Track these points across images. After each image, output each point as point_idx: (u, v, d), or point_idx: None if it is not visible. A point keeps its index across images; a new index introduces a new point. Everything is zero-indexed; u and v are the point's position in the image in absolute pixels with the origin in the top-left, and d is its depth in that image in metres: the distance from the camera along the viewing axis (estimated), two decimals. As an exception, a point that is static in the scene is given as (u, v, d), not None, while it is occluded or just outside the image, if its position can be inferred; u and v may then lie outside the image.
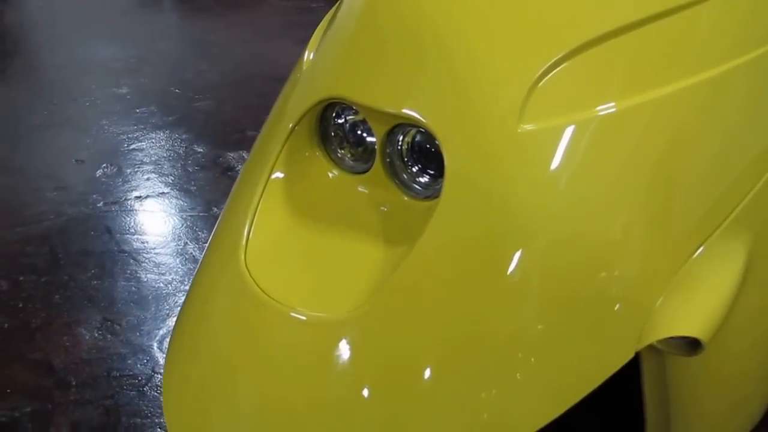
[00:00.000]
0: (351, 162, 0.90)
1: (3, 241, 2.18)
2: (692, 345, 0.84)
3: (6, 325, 1.85)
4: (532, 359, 0.77)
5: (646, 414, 1.01)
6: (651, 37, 0.80)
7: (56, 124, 2.95)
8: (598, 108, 0.77)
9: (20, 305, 1.92)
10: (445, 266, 0.76)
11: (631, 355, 0.81)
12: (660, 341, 0.85)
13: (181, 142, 2.78)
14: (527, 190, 0.76)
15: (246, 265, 0.82)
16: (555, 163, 0.76)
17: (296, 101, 0.89)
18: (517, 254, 0.76)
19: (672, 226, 0.82)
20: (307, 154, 0.90)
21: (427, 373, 0.76)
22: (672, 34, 0.81)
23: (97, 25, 4.18)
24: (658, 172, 0.80)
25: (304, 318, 0.77)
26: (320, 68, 0.90)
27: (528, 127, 0.76)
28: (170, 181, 2.51)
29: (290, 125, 0.87)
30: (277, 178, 0.88)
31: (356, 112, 0.87)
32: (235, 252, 0.84)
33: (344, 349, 0.75)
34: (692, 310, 0.82)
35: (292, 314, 0.78)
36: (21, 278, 2.02)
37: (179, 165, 2.62)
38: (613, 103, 0.78)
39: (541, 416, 0.78)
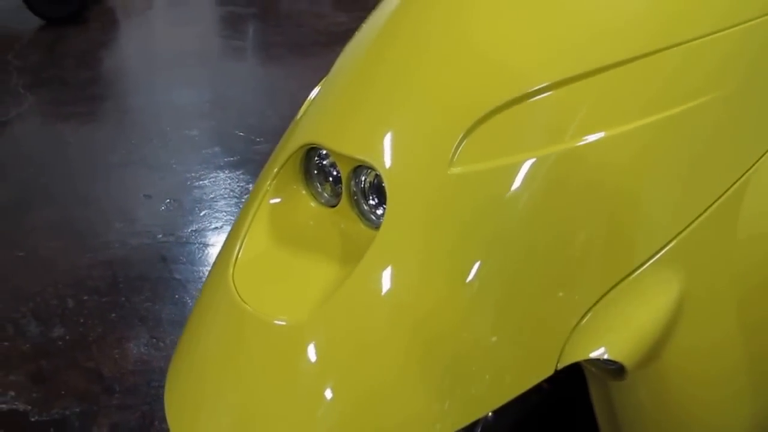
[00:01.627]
0: (328, 196, 1.04)
1: (74, 265, 2.50)
2: (621, 370, 0.90)
3: (67, 337, 2.15)
4: (449, 367, 0.86)
5: None
6: (583, 90, 0.88)
7: (132, 162, 3.29)
8: (530, 154, 0.86)
9: (81, 321, 2.22)
10: (379, 285, 0.88)
11: (550, 372, 0.87)
12: (589, 362, 0.93)
13: (238, 182, 3.07)
14: (451, 224, 0.87)
15: (233, 280, 0.97)
16: (479, 201, 0.87)
17: (286, 144, 1.05)
18: (441, 278, 0.86)
19: (598, 253, 0.88)
20: (294, 188, 1.04)
21: (358, 373, 0.87)
22: (602, 88, 0.89)
23: (182, 72, 4.57)
24: (584, 204, 0.88)
25: (272, 323, 0.91)
26: (306, 115, 1.06)
27: (456, 170, 0.86)
28: (222, 217, 2.79)
29: (276, 168, 1.03)
30: (266, 207, 1.03)
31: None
32: (226, 269, 0.98)
33: (295, 350, 0.89)
34: (616, 335, 0.88)
35: (263, 319, 0.91)
36: (85, 298, 2.32)
37: (233, 202, 2.90)
38: (544, 149, 0.87)
39: (452, 423, 0.87)
